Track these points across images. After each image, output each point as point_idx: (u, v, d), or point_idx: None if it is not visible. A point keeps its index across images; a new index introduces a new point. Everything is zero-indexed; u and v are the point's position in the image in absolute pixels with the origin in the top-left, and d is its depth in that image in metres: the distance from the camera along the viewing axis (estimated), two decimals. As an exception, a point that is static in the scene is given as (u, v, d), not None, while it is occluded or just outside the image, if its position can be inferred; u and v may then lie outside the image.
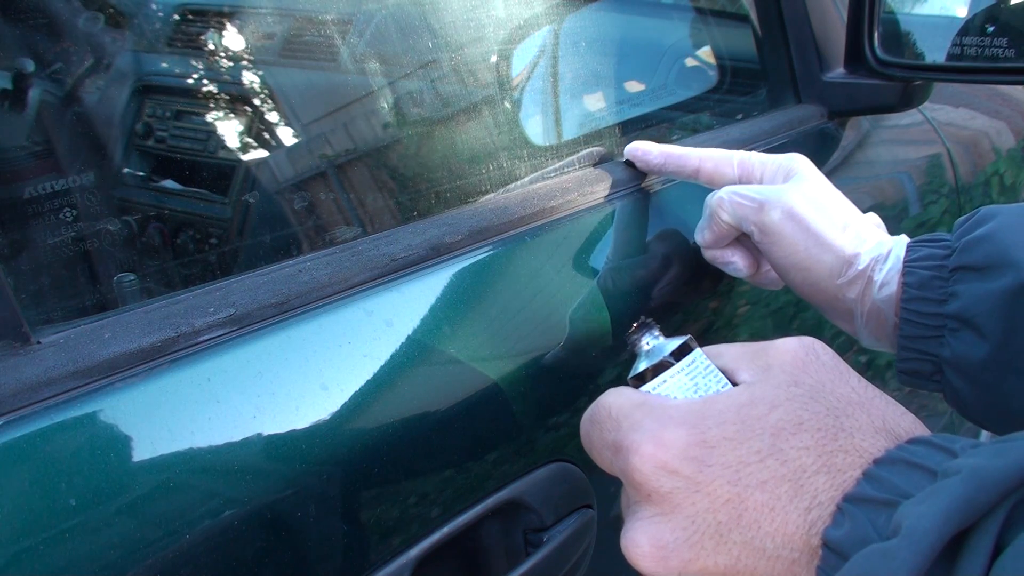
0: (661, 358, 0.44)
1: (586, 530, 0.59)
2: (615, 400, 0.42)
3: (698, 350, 0.44)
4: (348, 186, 0.64)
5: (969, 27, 0.85)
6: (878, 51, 0.88)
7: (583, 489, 0.59)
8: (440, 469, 0.51)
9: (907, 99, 0.93)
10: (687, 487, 0.37)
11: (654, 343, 0.46)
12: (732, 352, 0.43)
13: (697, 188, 0.66)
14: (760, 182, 0.63)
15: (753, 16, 0.95)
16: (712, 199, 0.62)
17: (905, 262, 0.56)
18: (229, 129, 0.62)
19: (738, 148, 0.68)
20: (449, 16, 0.65)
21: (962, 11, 0.89)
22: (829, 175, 0.62)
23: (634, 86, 0.90)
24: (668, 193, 0.71)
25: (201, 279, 0.52)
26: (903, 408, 0.39)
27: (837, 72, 0.93)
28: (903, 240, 0.58)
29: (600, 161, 0.71)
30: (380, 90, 0.65)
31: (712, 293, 0.72)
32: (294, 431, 0.44)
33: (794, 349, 0.41)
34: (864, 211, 0.62)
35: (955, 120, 1.17)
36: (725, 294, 0.74)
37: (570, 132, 0.77)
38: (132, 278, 0.53)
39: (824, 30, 0.93)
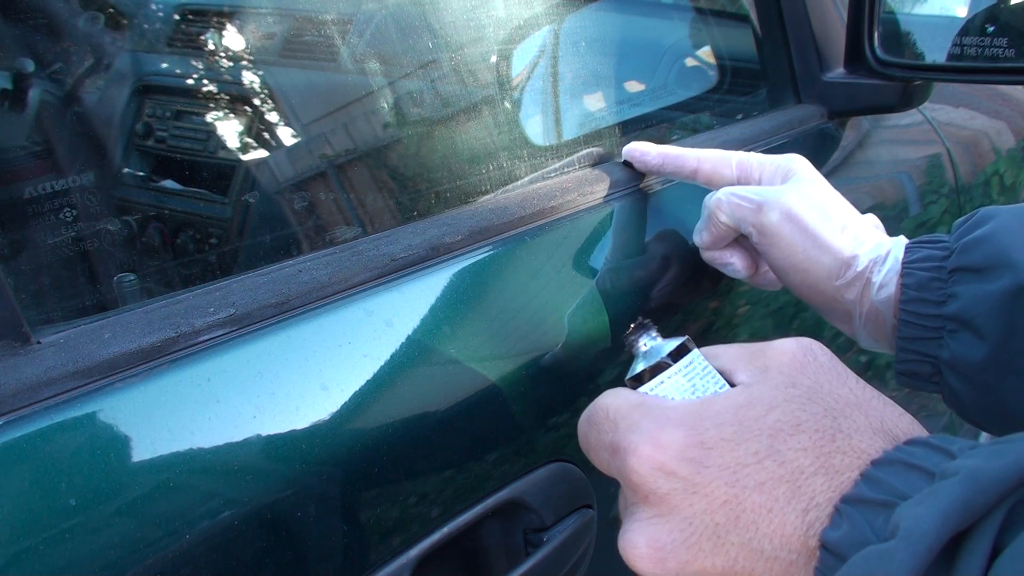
0: (659, 359, 0.44)
1: (586, 530, 0.59)
2: (613, 401, 0.42)
3: (696, 351, 0.44)
4: (348, 186, 0.64)
5: (969, 27, 0.85)
6: (878, 51, 0.88)
7: (583, 489, 0.59)
8: (440, 469, 0.51)
9: (907, 99, 0.93)
10: (685, 488, 0.37)
11: (652, 344, 0.46)
12: (730, 353, 0.43)
13: (696, 188, 0.66)
14: (759, 183, 0.63)
15: (753, 16, 0.95)
16: (710, 200, 0.62)
17: (903, 263, 0.56)
18: (229, 129, 0.62)
19: (738, 148, 0.68)
20: (449, 16, 0.65)
21: (962, 11, 0.89)
22: (829, 175, 0.63)
23: (634, 86, 0.90)
24: (667, 194, 0.71)
25: (201, 279, 0.52)
26: (901, 409, 0.39)
27: (837, 72, 0.94)
28: (901, 241, 0.58)
29: (599, 161, 0.71)
30: (380, 90, 0.65)
31: (712, 293, 0.72)
32: (294, 431, 0.44)
33: (792, 350, 0.41)
34: (864, 211, 0.62)
35: (955, 120, 1.17)
36: (725, 294, 0.74)
37: (570, 132, 0.77)
38: (132, 278, 0.53)
39: (824, 30, 0.93)
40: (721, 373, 0.43)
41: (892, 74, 0.89)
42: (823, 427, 0.37)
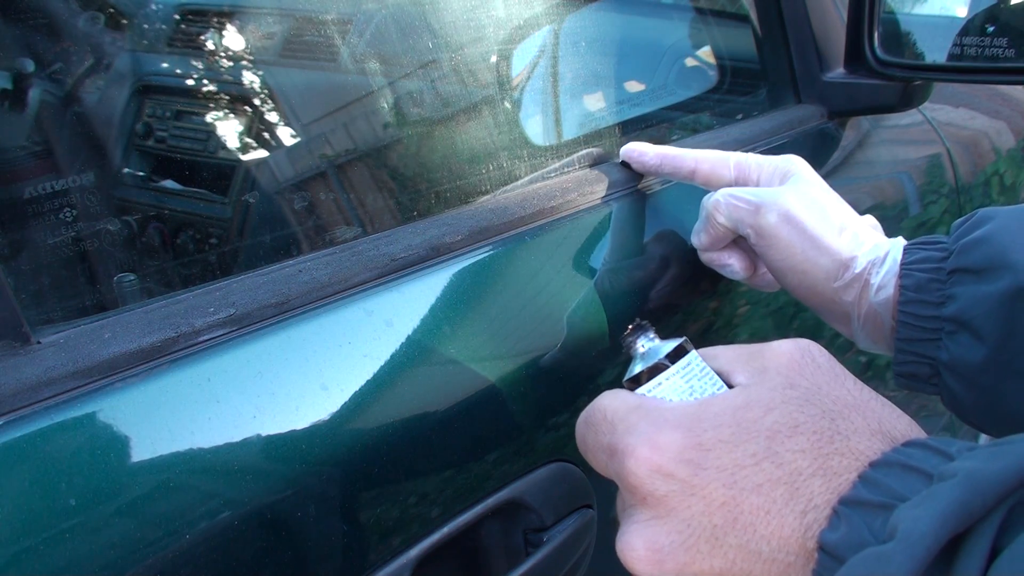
0: (656, 360, 0.44)
1: (586, 530, 0.59)
2: (610, 403, 0.42)
3: (694, 352, 0.44)
4: (348, 186, 0.64)
5: (969, 27, 0.85)
6: (878, 51, 0.88)
7: (583, 489, 0.59)
8: (440, 469, 0.51)
9: (907, 99, 0.93)
10: (682, 490, 0.37)
11: (649, 345, 0.46)
12: (728, 354, 0.43)
13: (695, 189, 0.66)
14: (757, 184, 0.63)
15: (753, 16, 0.95)
16: (708, 201, 0.62)
17: (902, 265, 0.56)
18: (229, 129, 0.62)
19: (738, 148, 0.68)
20: (449, 16, 0.65)
21: (962, 11, 0.89)
22: (829, 175, 0.63)
23: (634, 86, 0.90)
24: (666, 194, 0.71)
25: (201, 279, 0.52)
26: (899, 411, 0.39)
27: (837, 72, 0.94)
28: (900, 242, 0.58)
29: (598, 162, 0.71)
30: (380, 90, 0.65)
31: (711, 294, 0.72)
32: (294, 431, 0.44)
33: (790, 351, 0.41)
34: (864, 211, 0.62)
35: (955, 120, 1.17)
36: (724, 294, 0.74)
37: (570, 132, 0.77)
38: (132, 278, 0.53)
39: (824, 30, 0.93)
40: (719, 374, 0.43)
41: (892, 74, 0.89)
42: (821, 429, 0.37)
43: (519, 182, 0.66)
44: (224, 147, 0.62)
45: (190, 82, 0.64)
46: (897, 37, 0.91)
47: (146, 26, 0.63)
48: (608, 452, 0.40)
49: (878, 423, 0.37)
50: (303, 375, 0.46)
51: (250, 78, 0.62)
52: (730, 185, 0.63)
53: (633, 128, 0.81)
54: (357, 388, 0.47)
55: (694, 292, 0.70)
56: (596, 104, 0.83)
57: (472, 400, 0.52)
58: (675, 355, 0.44)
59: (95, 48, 0.59)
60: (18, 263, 0.49)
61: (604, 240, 0.64)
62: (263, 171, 0.64)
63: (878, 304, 0.56)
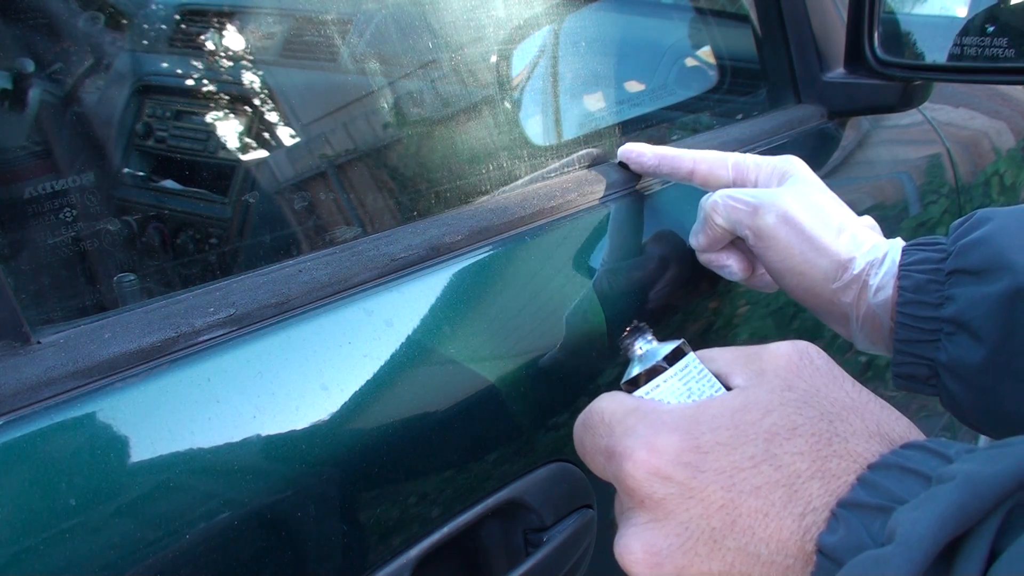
0: (654, 363, 0.44)
1: (586, 530, 0.59)
2: (608, 405, 0.42)
3: (691, 354, 0.44)
4: (348, 186, 0.64)
5: (969, 27, 0.85)
6: (878, 51, 0.88)
7: (583, 489, 0.59)
8: (440, 469, 0.51)
9: (907, 99, 0.93)
10: (680, 493, 0.37)
11: (647, 347, 0.46)
12: (726, 356, 0.43)
13: (693, 189, 0.66)
14: (755, 184, 0.63)
15: (753, 16, 0.95)
16: (706, 202, 0.62)
17: (901, 266, 0.56)
18: (229, 129, 0.62)
19: (738, 148, 0.68)
20: (449, 16, 0.65)
21: (962, 11, 0.89)
22: (829, 175, 0.63)
23: (634, 86, 0.90)
24: (664, 194, 0.71)
25: (201, 279, 0.52)
26: (897, 413, 0.39)
27: (837, 72, 0.94)
28: (898, 243, 0.58)
29: (597, 162, 0.71)
30: (380, 90, 0.65)
31: (710, 294, 0.72)
32: (294, 431, 0.44)
33: (788, 353, 0.41)
34: (864, 211, 0.62)
35: (955, 120, 1.17)
36: (724, 294, 0.74)
37: (570, 132, 0.77)
38: (132, 278, 0.53)
39: (824, 30, 0.93)
40: (717, 376, 0.43)
41: (892, 74, 0.89)
42: (819, 431, 0.37)
43: (519, 182, 0.66)
44: (224, 147, 0.62)
45: (190, 82, 0.64)
46: (897, 37, 0.91)
47: (146, 26, 0.63)
48: (606, 455, 0.40)
49: (876, 425, 0.37)
50: (303, 375, 0.46)
51: (250, 78, 0.62)
52: (728, 186, 0.63)
53: (633, 128, 0.81)
54: (357, 388, 0.47)
55: (693, 293, 0.71)
56: (596, 104, 0.83)
57: (472, 400, 0.53)
58: (673, 357, 0.44)
59: (95, 48, 0.59)
60: (18, 263, 0.49)
61: (605, 240, 0.64)
62: (263, 171, 0.64)
63: (877, 305, 0.56)
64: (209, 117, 0.63)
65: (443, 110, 0.65)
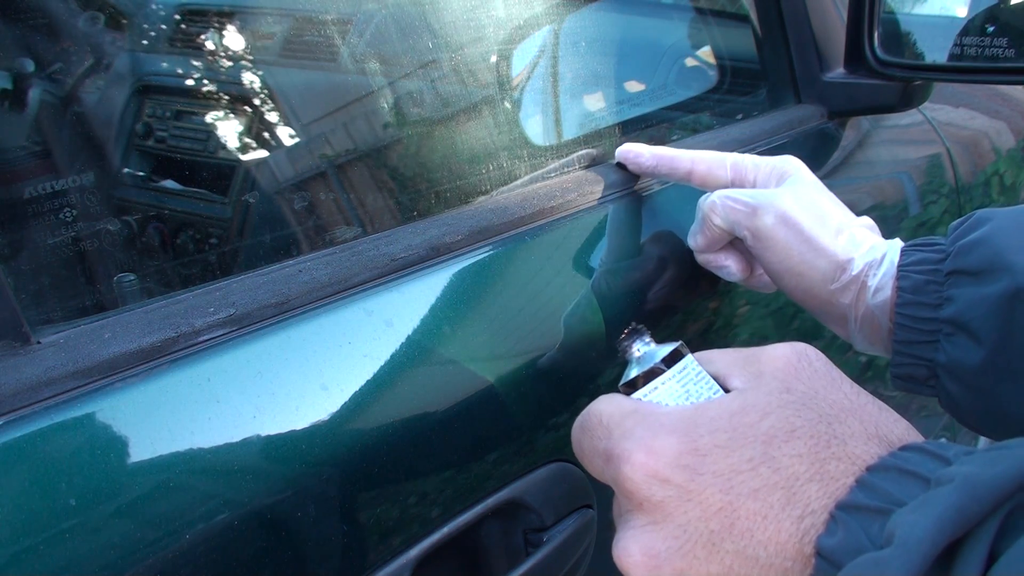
0: (652, 365, 0.44)
1: (586, 530, 0.59)
2: (606, 407, 0.42)
3: (689, 356, 0.44)
4: (348, 186, 0.64)
5: (969, 27, 0.85)
6: (878, 51, 0.88)
7: (583, 489, 0.59)
8: (440, 469, 0.51)
9: (907, 99, 0.93)
10: (679, 496, 0.37)
11: (645, 349, 0.46)
12: (724, 358, 0.43)
13: (692, 189, 0.66)
14: (753, 185, 0.63)
15: (753, 16, 0.95)
16: (704, 203, 0.62)
17: (899, 266, 0.56)
18: (229, 129, 0.62)
19: (738, 148, 0.68)
20: (449, 16, 0.65)
21: (962, 11, 0.89)
22: (829, 175, 0.63)
23: (634, 86, 0.90)
24: (663, 195, 0.71)
25: (201, 279, 0.52)
26: (896, 414, 0.39)
27: (837, 72, 0.94)
28: (897, 244, 0.58)
29: (596, 162, 0.71)
30: (380, 90, 0.65)
31: (709, 295, 0.72)
32: (294, 431, 0.44)
33: (786, 355, 0.40)
34: (864, 212, 0.62)
35: (955, 120, 1.17)
36: (724, 295, 0.74)
37: (570, 132, 0.77)
38: (132, 278, 0.53)
39: (824, 30, 0.93)
40: (715, 379, 0.43)
41: (892, 74, 0.89)
42: (818, 433, 0.37)
43: (519, 182, 0.66)
44: (224, 147, 0.62)
45: (190, 82, 0.64)
46: (897, 37, 0.91)
47: (146, 26, 0.63)
48: (604, 457, 0.40)
49: (875, 427, 0.37)
50: (303, 375, 0.46)
51: (250, 78, 0.62)
52: (726, 186, 0.63)
53: (633, 128, 0.81)
54: (357, 388, 0.47)
55: (692, 293, 0.71)
56: (596, 104, 0.83)
57: (472, 400, 0.53)
58: (671, 359, 0.44)
59: (95, 48, 0.59)
60: (18, 263, 0.49)
61: (604, 240, 0.64)
62: (263, 171, 0.64)
63: (875, 306, 0.56)
64: (209, 117, 0.63)
65: (443, 110, 0.65)
